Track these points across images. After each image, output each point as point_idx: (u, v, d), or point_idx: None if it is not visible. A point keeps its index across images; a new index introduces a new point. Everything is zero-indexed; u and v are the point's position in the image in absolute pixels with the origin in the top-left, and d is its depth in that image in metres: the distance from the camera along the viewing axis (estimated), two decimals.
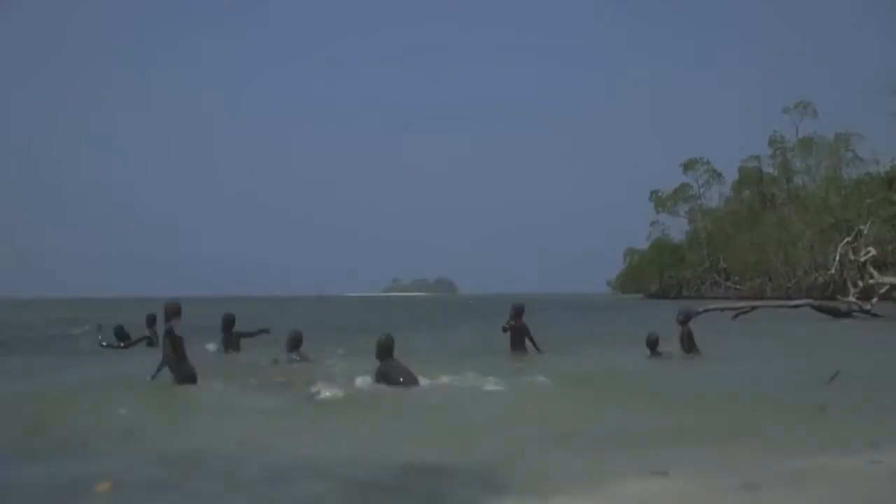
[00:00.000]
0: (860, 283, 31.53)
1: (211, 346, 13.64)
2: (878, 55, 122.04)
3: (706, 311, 28.28)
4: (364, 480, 5.42)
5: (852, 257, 34.04)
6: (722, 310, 29.03)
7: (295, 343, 11.76)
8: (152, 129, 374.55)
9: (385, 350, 9.34)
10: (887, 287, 30.59)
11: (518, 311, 12.88)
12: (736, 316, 27.82)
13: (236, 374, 10.71)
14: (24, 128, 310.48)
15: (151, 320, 15.51)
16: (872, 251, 33.34)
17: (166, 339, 9.25)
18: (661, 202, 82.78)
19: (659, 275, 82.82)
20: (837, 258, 36.93)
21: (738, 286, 70.23)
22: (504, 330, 12.79)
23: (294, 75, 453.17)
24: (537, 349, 12.83)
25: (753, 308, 29.47)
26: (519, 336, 12.78)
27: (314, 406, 8.54)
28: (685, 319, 12.98)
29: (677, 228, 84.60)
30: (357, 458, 6.00)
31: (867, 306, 27.76)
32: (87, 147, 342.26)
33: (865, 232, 35.31)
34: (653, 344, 12.62)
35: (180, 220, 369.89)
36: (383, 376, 9.12)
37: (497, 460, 5.86)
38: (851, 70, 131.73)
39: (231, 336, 13.46)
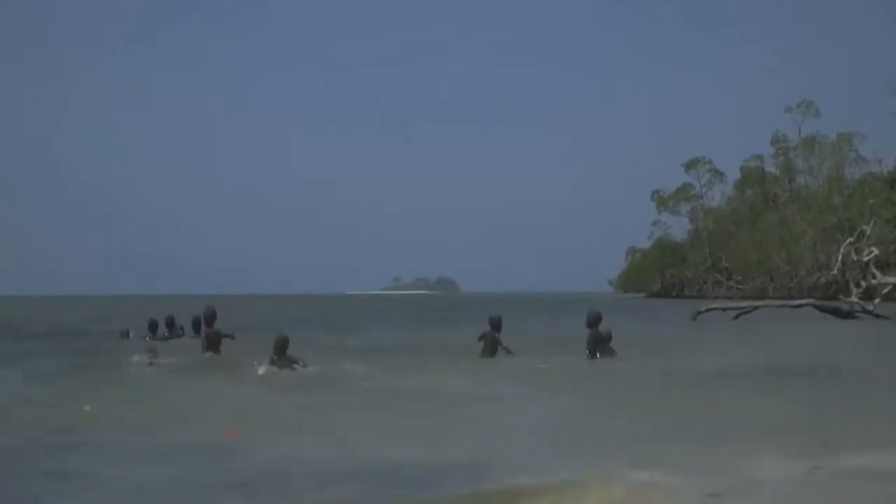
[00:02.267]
0: (863, 284, 31.40)
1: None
2: (880, 55, 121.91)
3: (708, 310, 28.18)
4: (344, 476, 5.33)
5: (855, 257, 33.91)
6: (724, 309, 28.89)
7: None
8: (152, 129, 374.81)
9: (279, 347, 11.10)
10: (890, 287, 30.45)
11: (495, 324, 13.26)
12: (737, 316, 27.68)
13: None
14: (24, 128, 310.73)
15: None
16: (875, 251, 33.20)
17: None
18: (662, 202, 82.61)
19: (661, 274, 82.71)
20: (840, 258, 36.80)
21: (740, 286, 70.09)
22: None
23: (294, 75, 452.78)
24: (509, 352, 13.10)
25: (755, 308, 29.32)
26: (491, 343, 13.13)
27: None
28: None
29: (679, 228, 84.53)
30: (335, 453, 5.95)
31: (870, 306, 27.59)
32: (87, 147, 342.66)
33: (868, 232, 35.17)
34: (593, 321, 12.28)
35: (181, 220, 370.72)
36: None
37: (471, 454, 5.81)
38: (854, 70, 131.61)
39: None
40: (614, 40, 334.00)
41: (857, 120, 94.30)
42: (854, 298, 29.17)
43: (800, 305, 29.69)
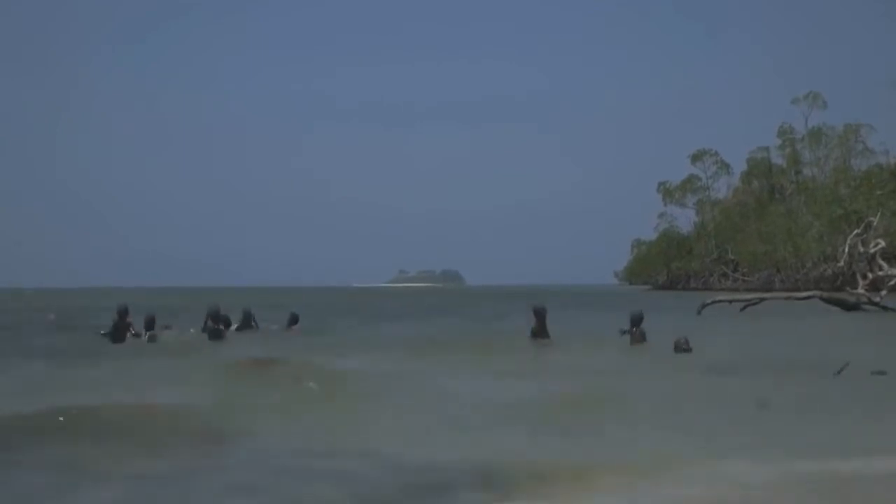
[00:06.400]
0: (869, 275, 31.27)
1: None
2: (887, 49, 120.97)
3: (713, 302, 28.08)
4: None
5: (862, 249, 33.79)
6: (730, 301, 28.80)
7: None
8: (153, 127, 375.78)
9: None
10: None
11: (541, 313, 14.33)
12: (744, 308, 27.59)
13: None
14: (24, 127, 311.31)
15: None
16: (882, 243, 33.08)
17: None
18: (668, 193, 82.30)
19: (666, 266, 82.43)
20: (846, 250, 36.66)
21: (746, 277, 69.81)
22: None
23: (294, 74, 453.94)
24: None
25: (761, 300, 29.21)
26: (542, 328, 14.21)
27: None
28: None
29: (685, 220, 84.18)
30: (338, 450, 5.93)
31: (876, 298, 27.46)
32: (87, 146, 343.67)
33: (875, 224, 35.01)
34: (637, 321, 13.37)
35: (181, 217, 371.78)
36: None
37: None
38: (860, 65, 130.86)
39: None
40: (621, 36, 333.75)
41: (863, 112, 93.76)
42: (861, 290, 29.03)
43: (806, 297, 29.55)
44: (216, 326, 14.87)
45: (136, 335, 14.74)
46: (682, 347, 11.89)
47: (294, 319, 17.30)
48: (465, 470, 5.25)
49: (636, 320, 13.59)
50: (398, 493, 4.87)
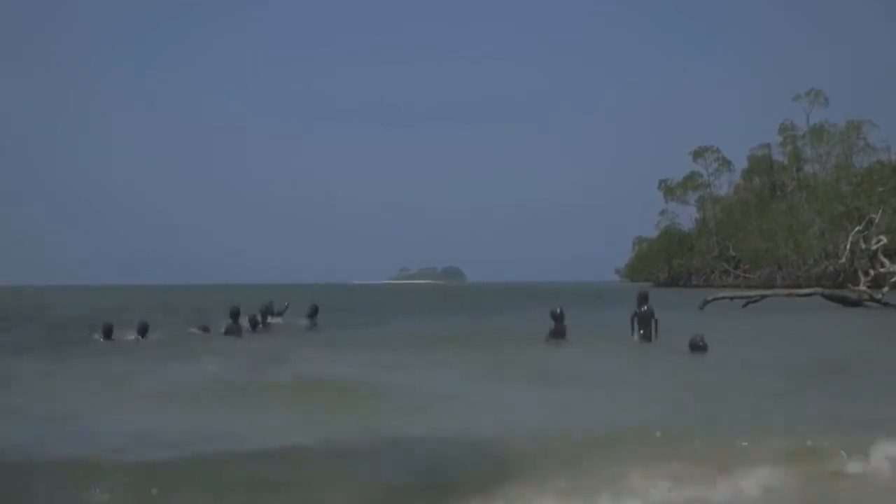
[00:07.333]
0: (871, 272, 31.30)
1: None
2: (888, 50, 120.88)
3: (715, 299, 28.13)
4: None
5: (863, 246, 33.82)
6: (732, 298, 28.85)
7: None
8: (154, 127, 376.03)
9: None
10: None
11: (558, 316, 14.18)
12: (745, 305, 27.65)
13: None
14: (24, 127, 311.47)
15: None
16: (884, 240, 33.11)
17: None
18: (670, 190, 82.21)
19: (668, 263, 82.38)
20: (848, 247, 36.68)
21: (747, 274, 69.78)
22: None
23: (295, 74, 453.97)
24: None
25: (763, 297, 29.27)
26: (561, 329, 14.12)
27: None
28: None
29: (687, 217, 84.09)
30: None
31: (878, 295, 27.52)
32: (87, 146, 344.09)
33: (877, 220, 35.03)
34: (643, 299, 13.67)
35: (181, 217, 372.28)
36: None
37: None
38: (860, 64, 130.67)
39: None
40: (621, 35, 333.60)
41: (863, 112, 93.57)
42: (862, 287, 29.08)
43: (808, 294, 29.61)
44: (235, 324, 15.46)
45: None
46: (697, 345, 11.80)
47: (314, 310, 17.89)
48: (475, 470, 5.32)
49: (643, 298, 13.58)
50: (410, 493, 4.93)
